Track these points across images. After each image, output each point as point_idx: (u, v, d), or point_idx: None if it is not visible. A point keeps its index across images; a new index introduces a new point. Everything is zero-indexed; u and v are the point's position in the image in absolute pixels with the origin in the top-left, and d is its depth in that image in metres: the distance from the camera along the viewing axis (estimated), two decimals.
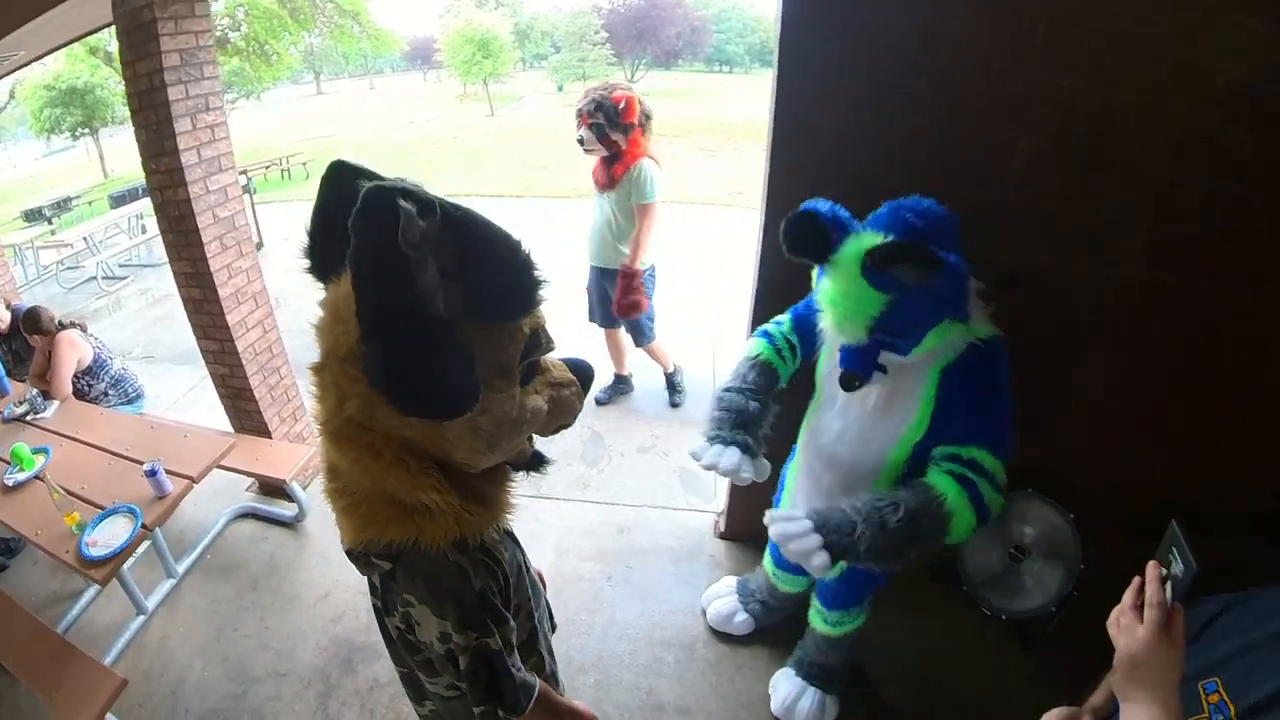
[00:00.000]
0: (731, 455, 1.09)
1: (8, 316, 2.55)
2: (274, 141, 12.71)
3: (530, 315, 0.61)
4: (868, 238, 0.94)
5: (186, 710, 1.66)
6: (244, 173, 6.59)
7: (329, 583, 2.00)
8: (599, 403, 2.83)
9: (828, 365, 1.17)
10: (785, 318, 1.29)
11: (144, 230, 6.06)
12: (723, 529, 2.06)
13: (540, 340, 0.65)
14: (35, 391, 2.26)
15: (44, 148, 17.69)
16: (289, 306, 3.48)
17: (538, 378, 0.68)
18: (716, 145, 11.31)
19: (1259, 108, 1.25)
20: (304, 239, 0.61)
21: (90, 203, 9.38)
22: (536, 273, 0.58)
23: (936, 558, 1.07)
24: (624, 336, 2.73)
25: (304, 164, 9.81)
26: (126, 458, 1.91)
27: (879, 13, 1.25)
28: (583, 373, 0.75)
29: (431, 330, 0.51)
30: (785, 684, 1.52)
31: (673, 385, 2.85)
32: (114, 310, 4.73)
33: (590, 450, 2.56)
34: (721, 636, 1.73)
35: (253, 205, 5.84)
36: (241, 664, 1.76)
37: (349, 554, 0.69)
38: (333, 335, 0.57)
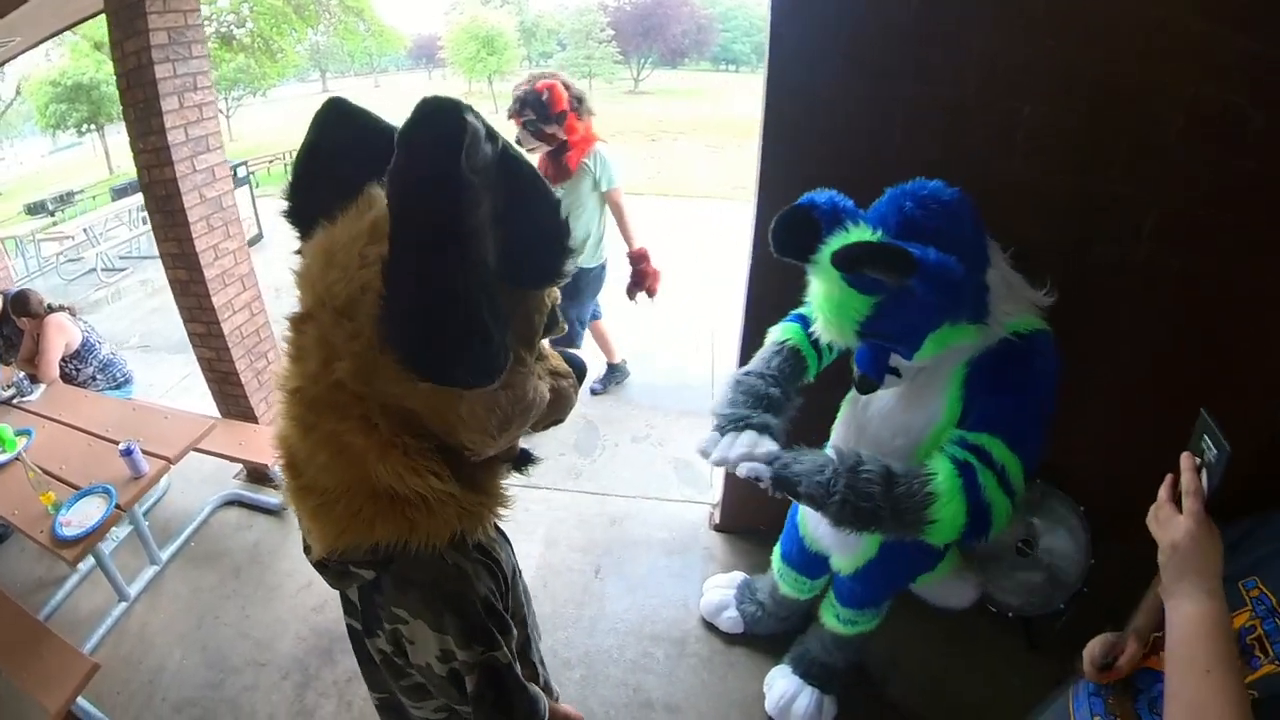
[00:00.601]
0: (744, 440, 0.97)
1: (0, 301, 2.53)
2: (279, 138, 12.77)
3: (555, 285, 0.55)
4: (854, 234, 0.83)
5: (163, 698, 1.63)
6: (244, 164, 6.56)
7: (311, 571, 1.89)
8: (594, 392, 2.79)
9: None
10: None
11: (144, 222, 6.07)
12: (718, 521, 2.00)
13: (557, 318, 0.58)
14: (23, 375, 2.25)
15: (50, 144, 17.83)
16: (290, 296, 3.44)
17: (539, 363, 0.60)
18: (721, 142, 11.31)
19: (1273, 81, 1.18)
20: (288, 179, 0.54)
21: (94, 197, 9.43)
22: (570, 239, 0.52)
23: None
24: (604, 325, 2.72)
25: None
26: (106, 438, 1.88)
27: None
28: (578, 366, 0.68)
29: (478, 275, 0.43)
30: (781, 682, 1.46)
31: (611, 372, 2.84)
32: (113, 301, 4.73)
33: (584, 439, 2.51)
34: (714, 632, 1.67)
35: (253, 197, 5.84)
36: (221, 652, 1.73)
37: (320, 566, 0.59)
38: (325, 282, 0.47)
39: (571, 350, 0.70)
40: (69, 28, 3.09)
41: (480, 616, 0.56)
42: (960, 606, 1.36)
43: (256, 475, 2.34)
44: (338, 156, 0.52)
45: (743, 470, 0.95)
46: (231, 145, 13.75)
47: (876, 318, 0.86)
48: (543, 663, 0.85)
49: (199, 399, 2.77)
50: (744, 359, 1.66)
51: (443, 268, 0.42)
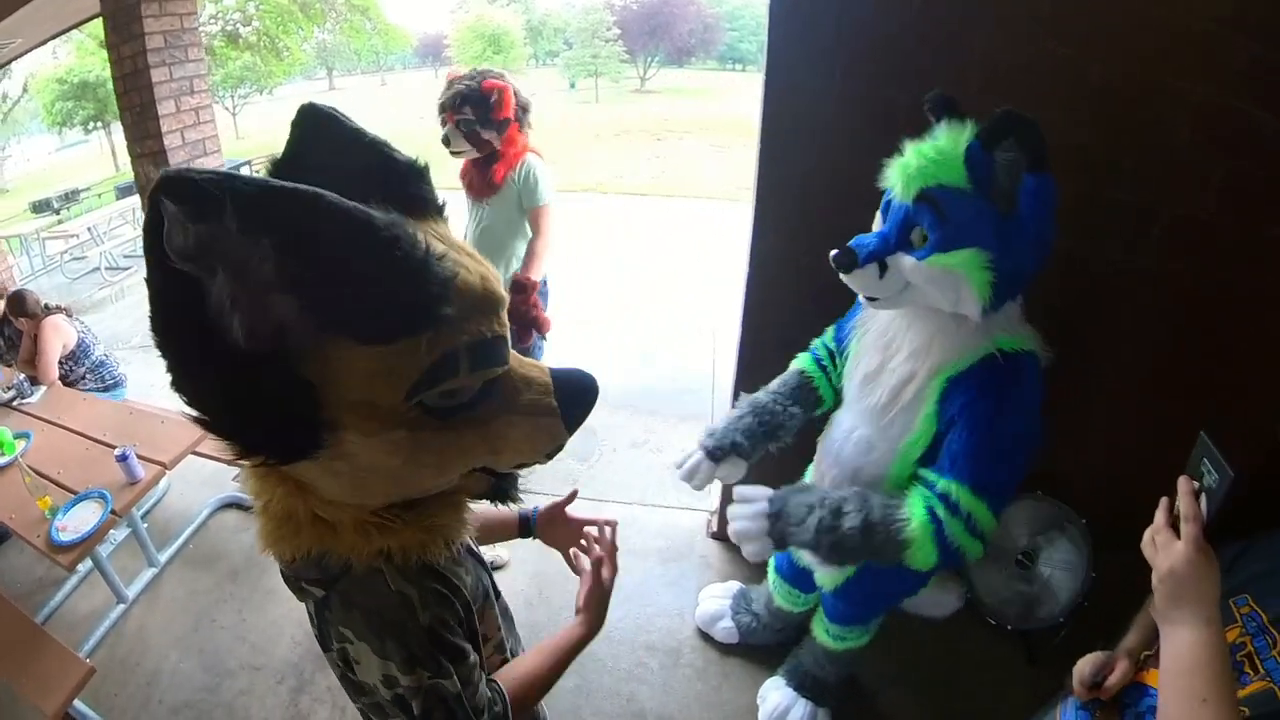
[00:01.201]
0: (696, 463, 1.10)
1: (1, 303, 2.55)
2: (286, 137, 12.80)
3: (429, 332, 0.44)
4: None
5: (160, 701, 1.63)
6: (247, 163, 6.58)
7: None
8: None
9: (851, 360, 1.08)
10: (829, 330, 1.21)
11: None
12: (715, 529, 1.99)
13: (455, 364, 0.46)
14: (23, 377, 2.26)
15: (57, 141, 17.91)
16: None
17: (481, 406, 0.51)
18: (727, 142, 11.26)
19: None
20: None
21: (99, 195, 9.47)
22: (425, 274, 0.42)
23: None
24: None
25: None
26: (102, 443, 1.88)
27: None
28: (571, 392, 0.56)
29: (228, 359, 0.38)
30: (775, 694, 1.44)
31: None
32: (117, 300, 4.76)
33: (581, 445, 2.50)
34: (709, 642, 1.66)
35: None
36: (217, 656, 1.73)
37: (283, 576, 0.60)
38: None
39: (573, 369, 0.58)
40: (70, 29, 3.11)
41: (424, 645, 0.54)
42: (942, 616, 1.35)
43: None
44: (312, 171, 0.49)
45: (736, 528, 0.98)
46: (238, 143, 13.80)
47: (951, 194, 0.82)
48: None
49: None
50: (742, 362, 1.66)
51: (185, 357, 0.40)
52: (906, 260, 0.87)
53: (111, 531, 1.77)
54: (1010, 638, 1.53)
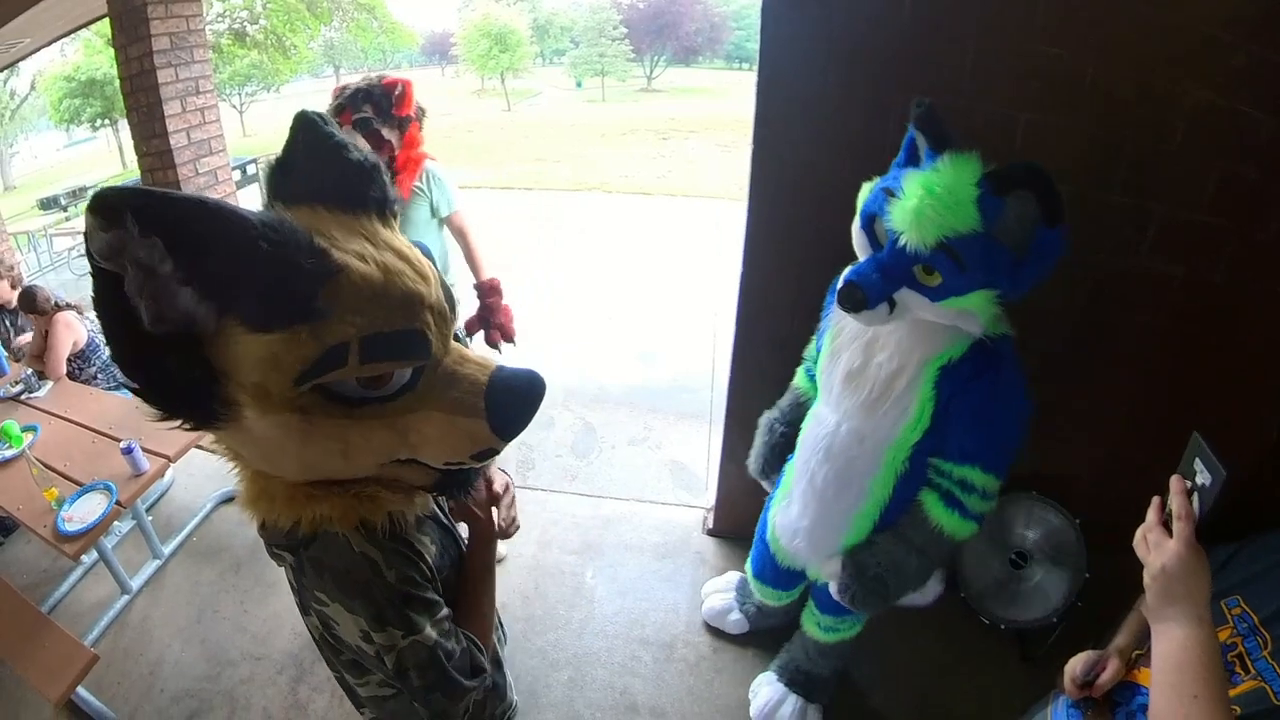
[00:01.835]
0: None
1: (14, 295, 2.58)
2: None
3: (309, 323, 0.46)
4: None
5: (162, 690, 1.66)
6: (253, 161, 6.62)
7: None
8: None
9: (827, 358, 1.09)
10: (814, 340, 1.23)
11: None
12: (711, 525, 2.00)
13: (344, 356, 0.48)
14: (31, 371, 2.29)
15: (65, 139, 18.03)
16: None
17: (402, 397, 0.53)
18: (733, 141, 11.24)
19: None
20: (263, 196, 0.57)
21: None
22: (297, 269, 0.45)
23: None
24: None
25: None
26: (108, 435, 1.91)
27: None
28: (505, 397, 0.55)
29: (142, 340, 0.45)
30: (766, 689, 1.45)
31: None
32: None
33: (581, 441, 2.52)
34: (703, 637, 1.67)
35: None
36: (219, 646, 1.76)
37: (265, 546, 0.65)
38: None
39: (521, 369, 0.57)
40: (77, 29, 3.15)
41: (393, 603, 0.58)
42: (926, 603, 1.36)
43: None
44: (300, 173, 0.55)
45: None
46: (245, 141, 13.89)
47: (969, 240, 0.81)
48: (500, 665, 0.85)
49: None
50: (737, 363, 1.67)
51: (110, 333, 0.45)
52: (916, 299, 0.87)
53: (116, 524, 1.80)
54: (1004, 636, 1.54)
